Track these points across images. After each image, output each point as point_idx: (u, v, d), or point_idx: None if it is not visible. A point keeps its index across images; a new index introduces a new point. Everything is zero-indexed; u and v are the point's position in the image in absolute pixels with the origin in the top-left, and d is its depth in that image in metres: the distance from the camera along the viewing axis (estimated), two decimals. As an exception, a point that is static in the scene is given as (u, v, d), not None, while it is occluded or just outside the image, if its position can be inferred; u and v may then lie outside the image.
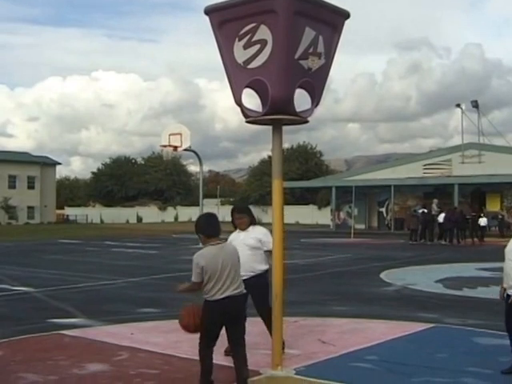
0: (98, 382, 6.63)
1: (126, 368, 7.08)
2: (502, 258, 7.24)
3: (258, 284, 7.59)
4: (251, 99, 7.05)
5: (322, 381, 6.63)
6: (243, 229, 7.79)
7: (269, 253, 7.42)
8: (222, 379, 6.57)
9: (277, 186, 6.97)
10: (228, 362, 7.21)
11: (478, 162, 45.77)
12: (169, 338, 8.82)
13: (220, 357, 7.27)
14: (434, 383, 6.67)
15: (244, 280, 6.63)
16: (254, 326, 9.61)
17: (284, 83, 6.52)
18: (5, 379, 6.73)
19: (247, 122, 7.12)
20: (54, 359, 7.60)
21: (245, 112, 7.02)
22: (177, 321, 10.12)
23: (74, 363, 7.34)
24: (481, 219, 35.08)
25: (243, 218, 7.79)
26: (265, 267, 7.69)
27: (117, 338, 8.70)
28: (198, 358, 7.59)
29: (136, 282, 14.95)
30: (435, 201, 36.93)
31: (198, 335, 6.29)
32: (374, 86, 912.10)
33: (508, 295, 6.86)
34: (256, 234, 7.74)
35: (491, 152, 45.69)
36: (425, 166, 48.27)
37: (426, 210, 34.90)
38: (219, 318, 6.11)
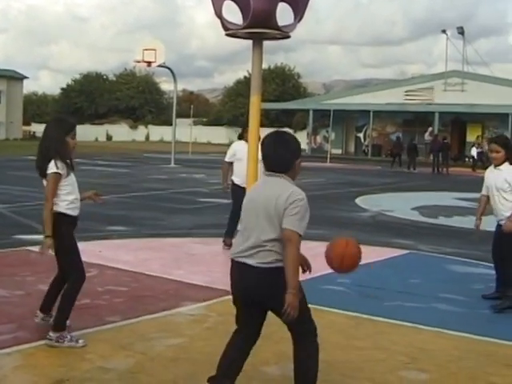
0: (64, 298, 6.44)
1: (93, 285, 6.90)
2: (479, 189, 7.07)
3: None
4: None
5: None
6: (497, 164, 6.72)
7: None
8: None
9: (255, 102, 6.74)
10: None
11: (460, 90, 45.14)
12: (138, 256, 8.68)
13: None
14: (406, 308, 6.65)
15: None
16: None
17: (266, -5, 6.22)
18: (-30, 294, 6.55)
19: (227, 34, 6.88)
20: (20, 275, 7.41)
21: (225, 24, 6.72)
22: (146, 239, 10.03)
23: (40, 279, 7.14)
24: (473, 149, 35.46)
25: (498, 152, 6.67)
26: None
27: (85, 255, 8.28)
28: (166, 276, 7.49)
29: (105, 200, 14.69)
30: (430, 129, 36.58)
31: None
32: (359, 7, 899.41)
33: (499, 225, 6.72)
34: (506, 174, 6.63)
35: (475, 81, 44.91)
36: (406, 92, 47.63)
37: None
38: None
